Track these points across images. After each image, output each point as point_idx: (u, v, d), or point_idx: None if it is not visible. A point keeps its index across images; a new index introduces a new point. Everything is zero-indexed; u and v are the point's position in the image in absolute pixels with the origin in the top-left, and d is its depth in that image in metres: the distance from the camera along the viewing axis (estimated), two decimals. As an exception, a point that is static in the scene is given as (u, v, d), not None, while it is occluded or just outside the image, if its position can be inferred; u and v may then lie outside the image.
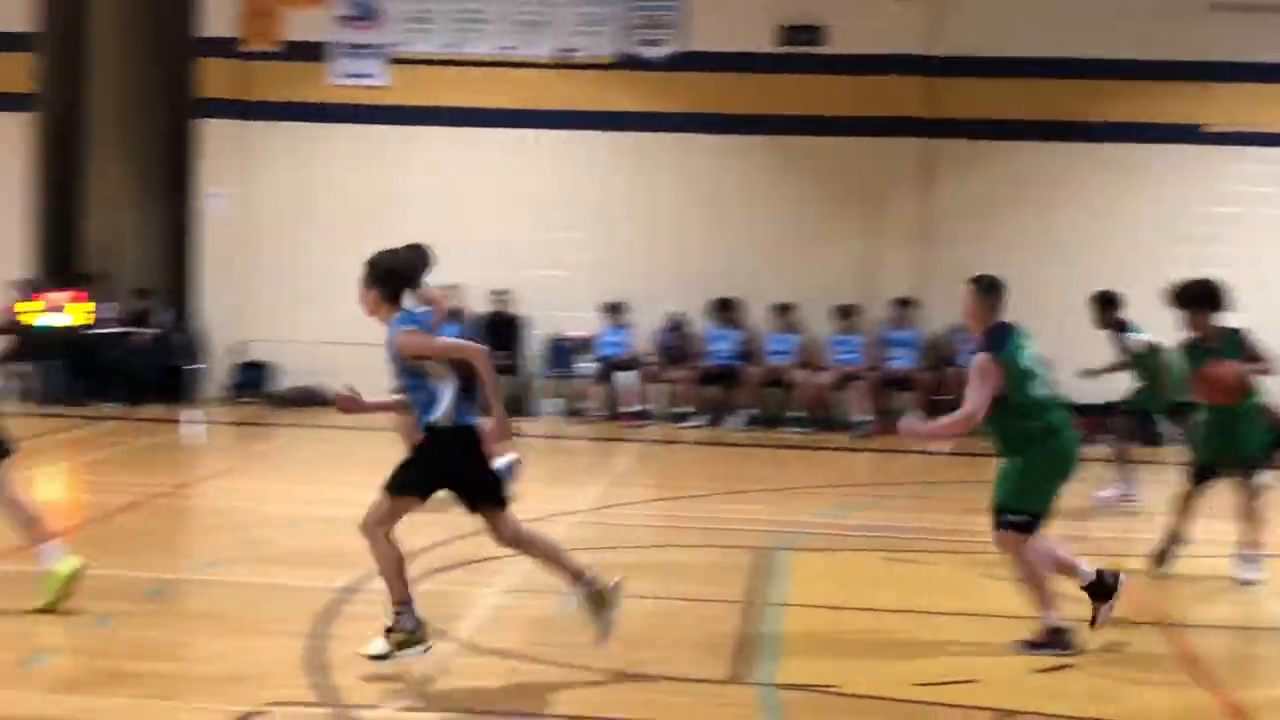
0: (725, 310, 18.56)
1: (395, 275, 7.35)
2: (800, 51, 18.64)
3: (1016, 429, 7.78)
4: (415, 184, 18.80)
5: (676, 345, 18.69)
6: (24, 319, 18.04)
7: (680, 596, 9.10)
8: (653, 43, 18.85)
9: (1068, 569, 8.08)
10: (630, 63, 18.82)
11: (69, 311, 18.42)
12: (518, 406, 18.57)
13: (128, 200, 19.22)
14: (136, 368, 18.57)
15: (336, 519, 11.57)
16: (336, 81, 18.92)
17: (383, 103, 18.86)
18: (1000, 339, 7.83)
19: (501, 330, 18.67)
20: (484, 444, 7.30)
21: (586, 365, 18.69)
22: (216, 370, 19.09)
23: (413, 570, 9.50)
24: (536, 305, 18.78)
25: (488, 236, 18.64)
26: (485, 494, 7.35)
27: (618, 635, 7.63)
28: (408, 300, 7.46)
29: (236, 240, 19.01)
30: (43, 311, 18.20)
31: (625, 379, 18.49)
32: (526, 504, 12.76)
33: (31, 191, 18.95)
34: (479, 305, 18.67)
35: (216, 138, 18.96)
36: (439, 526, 11.22)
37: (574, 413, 18.63)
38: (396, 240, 8.03)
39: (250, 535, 10.66)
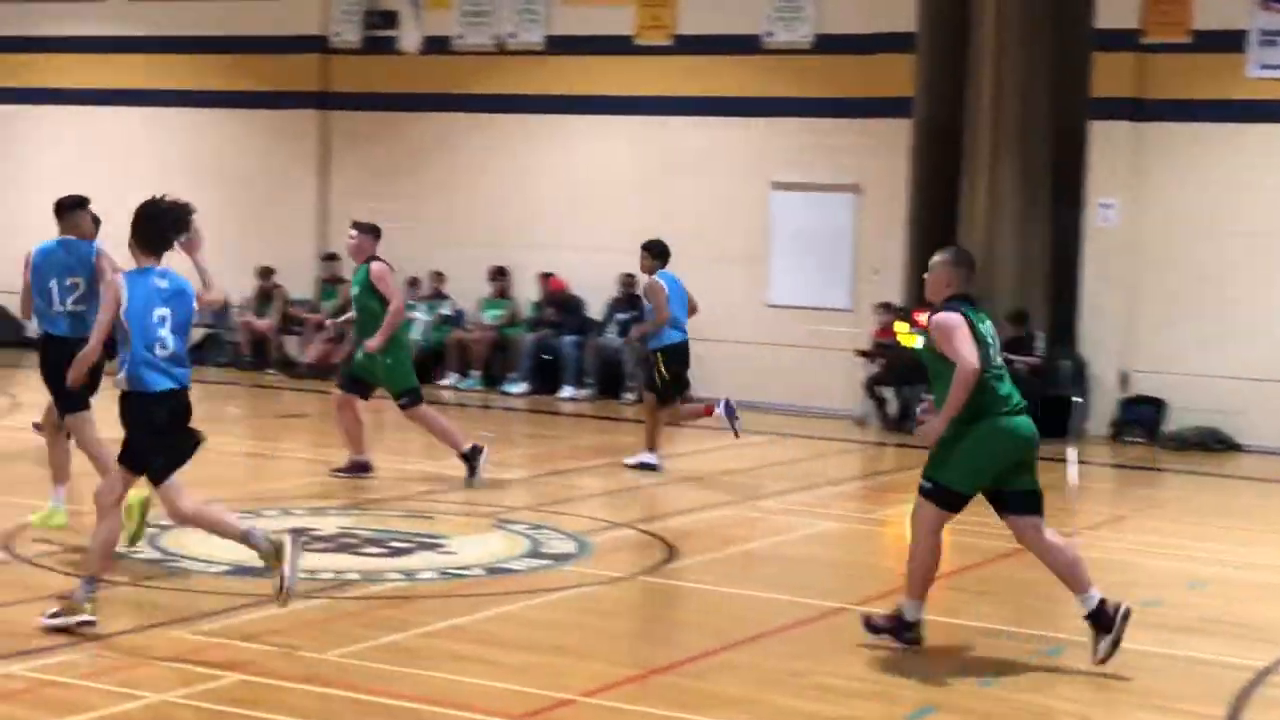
0: None
1: (147, 224, 7.78)
2: None
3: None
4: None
5: None
6: (901, 341, 17.91)
7: None
8: None
9: None
10: None
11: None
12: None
13: (1006, 211, 18.61)
14: (1012, 397, 18.03)
15: (1246, 583, 10.68)
16: (1253, 75, 17.41)
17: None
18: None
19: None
20: (157, 410, 7.66)
21: None
22: (1098, 404, 18.08)
23: None
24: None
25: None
26: (149, 463, 7.73)
27: None
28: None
29: (1124, 257, 17.97)
30: (914, 334, 18.04)
31: None
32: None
33: (908, 204, 18.83)
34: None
35: (1106, 141, 17.97)
36: None
37: None
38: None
39: (1145, 595, 9.61)
